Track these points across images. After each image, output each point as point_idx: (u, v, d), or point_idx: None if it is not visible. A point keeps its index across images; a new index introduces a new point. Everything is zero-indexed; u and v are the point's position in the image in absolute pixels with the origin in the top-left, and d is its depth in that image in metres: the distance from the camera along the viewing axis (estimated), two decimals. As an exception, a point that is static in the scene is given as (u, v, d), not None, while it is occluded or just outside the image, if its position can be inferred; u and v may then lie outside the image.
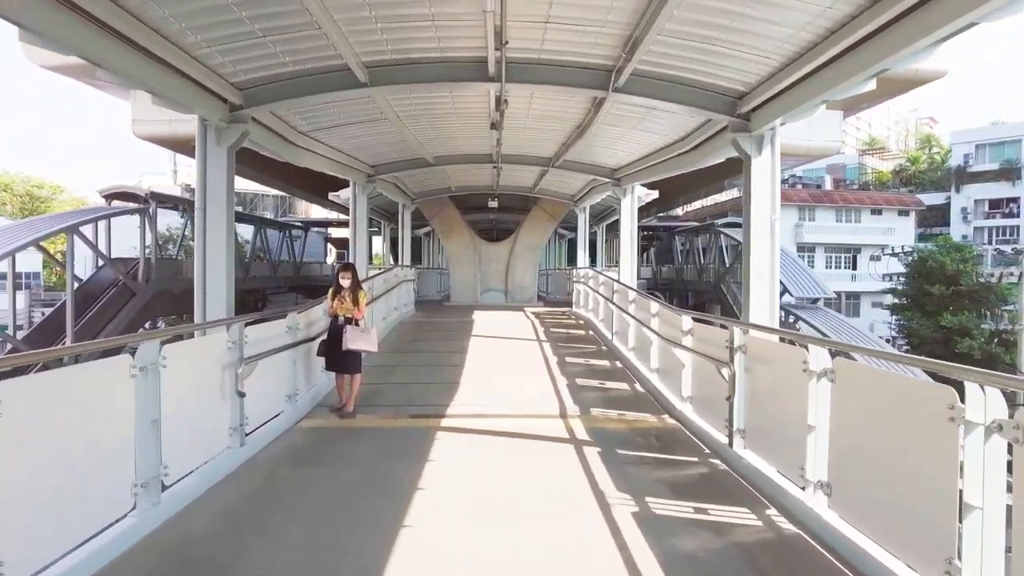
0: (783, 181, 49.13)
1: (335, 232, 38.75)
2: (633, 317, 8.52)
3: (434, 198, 17.34)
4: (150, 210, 23.45)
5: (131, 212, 24.10)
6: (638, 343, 8.47)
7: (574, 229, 29.11)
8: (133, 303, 19.79)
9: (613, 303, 10.02)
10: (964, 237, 45.86)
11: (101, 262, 20.79)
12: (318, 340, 6.64)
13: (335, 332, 6.45)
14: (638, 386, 7.68)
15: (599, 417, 6.30)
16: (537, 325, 12.89)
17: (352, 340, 6.31)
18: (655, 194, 15.75)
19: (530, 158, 11.97)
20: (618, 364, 9.00)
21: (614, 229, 29.73)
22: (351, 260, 11.19)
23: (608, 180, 12.13)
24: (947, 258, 28.29)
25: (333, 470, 4.67)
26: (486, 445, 5.42)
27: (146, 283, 20.37)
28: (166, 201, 25.82)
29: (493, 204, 17.55)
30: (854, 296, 43.30)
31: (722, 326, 5.26)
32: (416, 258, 33.62)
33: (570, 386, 7.57)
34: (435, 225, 18.46)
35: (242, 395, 4.73)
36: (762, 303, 6.70)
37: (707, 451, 5.21)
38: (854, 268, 45.00)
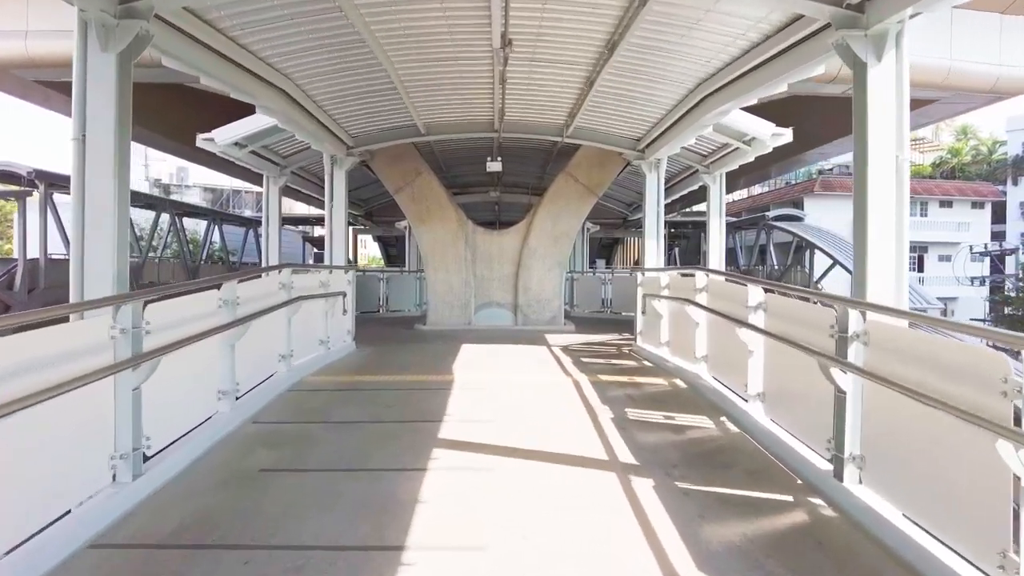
0: (828, 170, 42.68)
1: (317, 230, 31.79)
2: None
3: (391, 146, 9.98)
4: (37, 195, 18.02)
5: (4, 197, 18.44)
6: None
7: (596, 220, 21.92)
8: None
9: (846, 365, 3.28)
10: (1022, 235, 40.52)
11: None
12: None
13: None
14: None
15: None
16: (590, 393, 5.98)
17: None
18: (786, 134, 8.63)
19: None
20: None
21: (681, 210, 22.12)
22: (78, 217, 3.80)
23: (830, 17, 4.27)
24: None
25: None
26: None
27: (28, 293, 15.13)
28: (63, 184, 19.83)
29: (495, 167, 10.78)
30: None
31: None
32: (399, 259, 26.86)
33: None
34: (403, 203, 11.53)
35: None
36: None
37: None
38: (920, 270, 38.56)
